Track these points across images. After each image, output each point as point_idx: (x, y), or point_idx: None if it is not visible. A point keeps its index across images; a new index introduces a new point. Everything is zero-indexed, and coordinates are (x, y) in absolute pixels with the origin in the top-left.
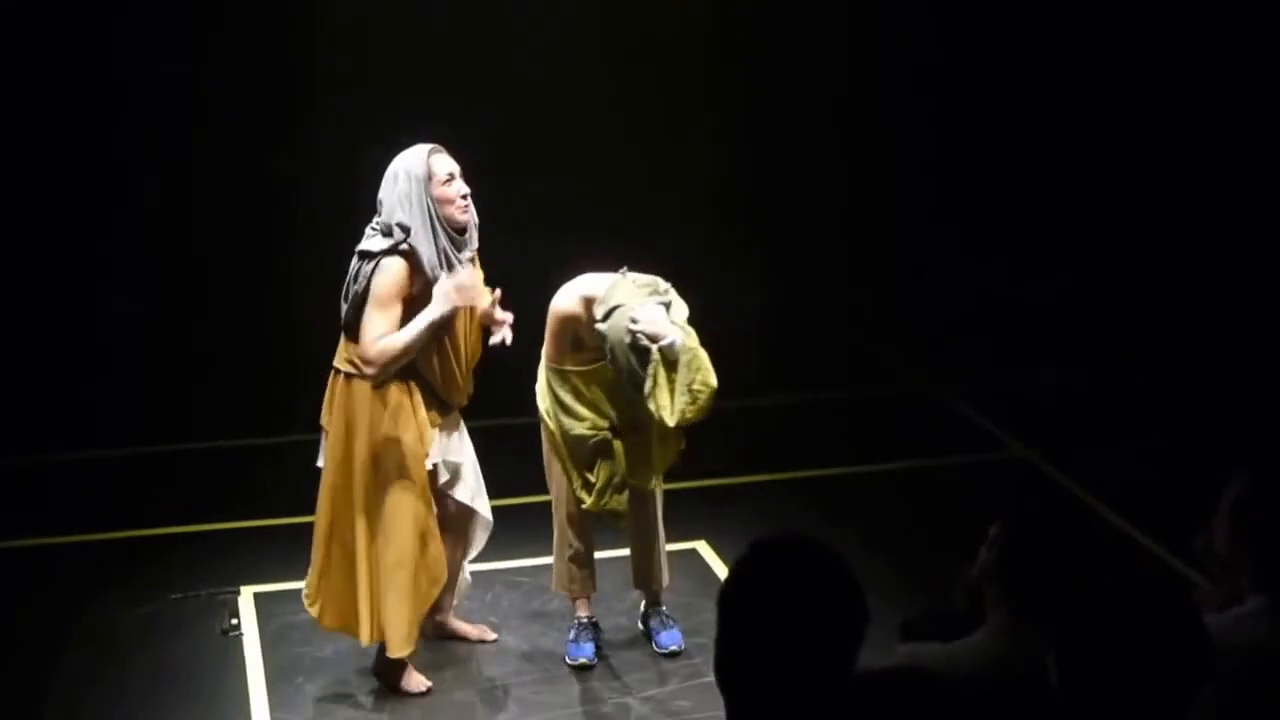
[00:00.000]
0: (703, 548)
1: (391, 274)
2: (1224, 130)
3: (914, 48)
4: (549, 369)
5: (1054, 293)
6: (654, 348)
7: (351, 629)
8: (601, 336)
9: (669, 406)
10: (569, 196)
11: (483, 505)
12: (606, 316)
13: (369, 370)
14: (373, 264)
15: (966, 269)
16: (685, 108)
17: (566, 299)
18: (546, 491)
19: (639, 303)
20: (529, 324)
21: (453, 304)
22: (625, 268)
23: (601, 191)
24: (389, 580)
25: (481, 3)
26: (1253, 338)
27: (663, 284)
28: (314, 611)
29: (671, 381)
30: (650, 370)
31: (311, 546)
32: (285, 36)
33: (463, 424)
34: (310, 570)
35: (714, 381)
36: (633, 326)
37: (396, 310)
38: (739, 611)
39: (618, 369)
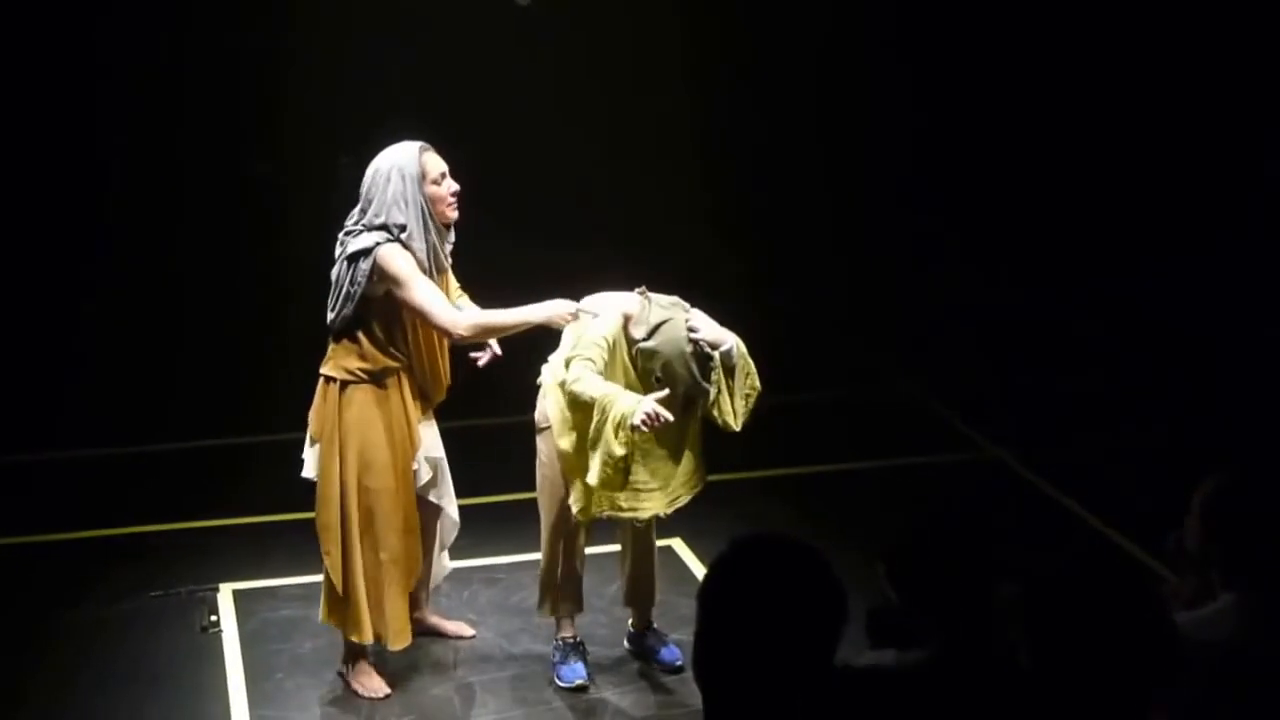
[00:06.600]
0: (678, 545)
1: (400, 255)
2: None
3: (897, 59)
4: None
5: (1028, 300)
6: (716, 354)
7: (347, 627)
8: (648, 355)
9: (731, 412)
10: (553, 205)
11: (451, 505)
12: (651, 335)
13: (461, 334)
14: (369, 260)
15: (945, 275)
16: (670, 117)
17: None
18: (521, 489)
19: (679, 317)
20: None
21: (549, 315)
22: (643, 287)
23: (587, 200)
24: (387, 578)
25: (463, 6)
26: (1224, 342)
27: (683, 303)
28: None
29: (730, 387)
30: (714, 378)
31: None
32: (268, 36)
33: (434, 422)
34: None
35: (759, 385)
36: (694, 335)
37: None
38: (719, 607)
39: (671, 383)
